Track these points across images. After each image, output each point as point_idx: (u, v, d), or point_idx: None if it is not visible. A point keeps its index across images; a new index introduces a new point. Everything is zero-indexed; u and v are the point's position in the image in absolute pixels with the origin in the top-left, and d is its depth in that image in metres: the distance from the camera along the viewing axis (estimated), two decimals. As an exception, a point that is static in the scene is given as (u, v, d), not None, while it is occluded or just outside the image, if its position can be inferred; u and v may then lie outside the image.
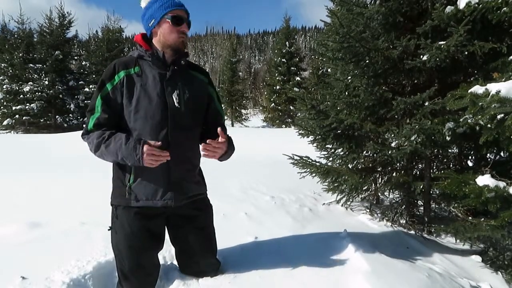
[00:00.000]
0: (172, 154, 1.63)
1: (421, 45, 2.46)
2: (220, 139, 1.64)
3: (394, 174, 3.16)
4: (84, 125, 1.70)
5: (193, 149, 1.76)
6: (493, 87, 2.03)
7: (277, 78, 21.65)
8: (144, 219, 1.71)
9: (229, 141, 1.73)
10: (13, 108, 15.91)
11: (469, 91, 2.16)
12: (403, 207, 3.23)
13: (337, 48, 2.80)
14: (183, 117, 1.67)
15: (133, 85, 1.63)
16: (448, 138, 2.42)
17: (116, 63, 1.67)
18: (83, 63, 19.62)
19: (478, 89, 2.12)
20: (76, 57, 19.62)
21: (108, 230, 1.77)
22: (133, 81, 1.63)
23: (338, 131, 2.98)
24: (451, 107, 2.34)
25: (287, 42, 21.51)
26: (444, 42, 2.34)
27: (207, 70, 1.99)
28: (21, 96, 16.17)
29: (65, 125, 17.50)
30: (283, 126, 20.67)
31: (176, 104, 1.65)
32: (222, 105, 2.01)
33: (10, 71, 16.36)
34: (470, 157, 2.97)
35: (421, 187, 2.86)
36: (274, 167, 5.12)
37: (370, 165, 3.28)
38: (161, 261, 2.07)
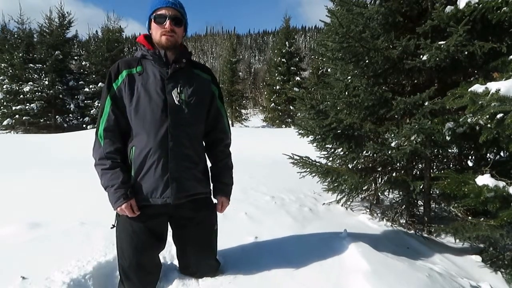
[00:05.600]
0: (171, 151, 1.65)
1: (421, 45, 2.46)
2: (223, 209, 1.95)
3: (394, 174, 3.16)
4: (93, 127, 1.72)
5: (194, 147, 1.76)
6: (492, 86, 2.03)
7: (277, 78, 21.65)
8: (146, 218, 1.72)
9: (227, 184, 1.95)
10: (13, 108, 15.92)
11: (469, 89, 2.17)
12: (403, 207, 3.23)
13: (336, 48, 2.80)
14: (184, 115, 1.68)
15: (134, 84, 1.65)
16: (448, 138, 2.42)
17: (119, 63, 1.70)
18: (83, 63, 19.63)
19: (478, 88, 2.12)
20: (76, 57, 19.63)
21: (111, 228, 1.78)
22: (134, 80, 1.66)
23: (338, 131, 2.99)
24: (450, 106, 2.34)
25: (287, 42, 21.51)
26: (444, 42, 2.34)
27: (207, 70, 1.99)
28: (21, 96, 16.19)
29: (65, 125, 17.51)
30: (283, 126, 20.67)
31: (176, 101, 1.66)
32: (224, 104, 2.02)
33: (10, 71, 16.37)
34: (470, 157, 2.97)
35: (421, 186, 2.86)
36: (274, 167, 5.12)
37: (370, 165, 3.28)
38: (161, 261, 2.07)
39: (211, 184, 1.93)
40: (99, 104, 1.73)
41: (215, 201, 1.94)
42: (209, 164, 1.94)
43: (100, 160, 1.65)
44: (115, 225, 1.77)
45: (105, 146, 1.65)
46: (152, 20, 1.67)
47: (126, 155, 1.70)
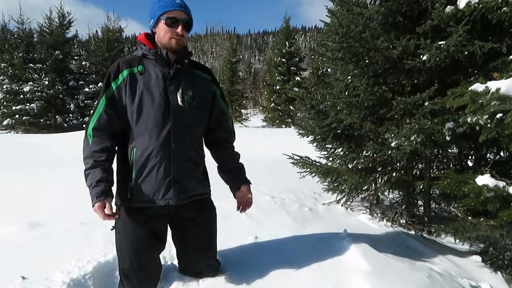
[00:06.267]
0: (174, 153, 1.64)
1: (421, 45, 2.46)
2: (250, 201, 1.95)
3: (394, 174, 3.16)
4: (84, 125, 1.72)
5: (196, 148, 1.76)
6: (493, 85, 2.03)
7: (277, 78, 21.64)
8: (147, 220, 1.71)
9: (245, 177, 1.95)
10: (13, 108, 15.90)
11: (469, 88, 2.16)
12: (403, 207, 3.23)
13: (336, 48, 2.80)
14: (186, 116, 1.67)
15: (135, 83, 1.63)
16: (448, 138, 2.42)
17: (120, 62, 1.67)
18: (83, 63, 19.61)
19: (478, 86, 2.12)
20: (76, 57, 19.61)
21: (111, 229, 1.77)
22: (136, 80, 1.64)
23: (338, 131, 2.99)
24: (450, 105, 2.34)
25: (287, 42, 21.50)
26: (444, 42, 2.34)
27: (207, 70, 1.98)
28: (21, 96, 16.17)
29: (65, 125, 17.49)
30: (283, 126, 20.66)
31: (179, 102, 1.65)
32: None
33: (10, 71, 16.35)
34: (470, 157, 2.97)
35: (421, 187, 2.86)
36: (274, 167, 5.12)
37: (370, 165, 3.28)
38: (161, 262, 2.07)
39: (230, 181, 1.94)
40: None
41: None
42: (215, 164, 1.93)
43: (86, 159, 1.63)
44: (115, 226, 1.76)
45: (92, 144, 1.63)
46: (163, 21, 1.63)
47: (116, 155, 1.69)
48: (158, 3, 1.66)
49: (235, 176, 1.93)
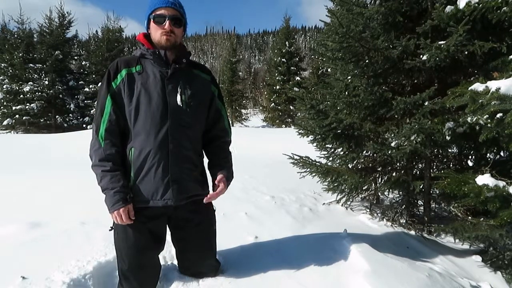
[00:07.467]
0: (172, 153, 1.64)
1: (421, 45, 2.46)
2: (219, 189, 1.73)
3: (394, 174, 3.16)
4: (91, 127, 1.70)
5: (194, 148, 1.75)
6: (493, 85, 2.03)
7: (277, 78, 21.63)
8: (146, 220, 1.71)
9: (228, 172, 1.81)
10: (13, 108, 15.92)
11: (469, 88, 2.16)
12: (403, 207, 3.23)
13: (336, 48, 2.80)
14: (184, 116, 1.67)
15: (133, 83, 1.63)
16: (448, 138, 2.42)
17: (118, 62, 1.68)
18: (83, 63, 19.63)
19: (478, 86, 2.12)
20: (76, 57, 19.63)
21: (110, 230, 1.77)
22: (134, 80, 1.64)
23: (338, 131, 2.98)
24: (450, 105, 2.34)
25: (287, 42, 21.49)
26: (444, 42, 2.34)
27: (207, 70, 1.98)
28: (21, 96, 16.18)
29: (65, 125, 17.50)
30: (283, 126, 20.66)
31: (178, 102, 1.65)
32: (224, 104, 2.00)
33: (10, 71, 16.36)
34: (470, 157, 2.97)
35: (421, 186, 2.86)
36: (274, 167, 5.12)
37: (370, 164, 3.28)
38: (161, 262, 2.07)
39: (214, 172, 1.82)
40: (97, 103, 1.71)
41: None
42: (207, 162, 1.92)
43: (101, 161, 1.62)
44: (114, 227, 1.76)
45: (105, 147, 1.63)
46: (152, 20, 1.65)
47: (124, 157, 1.69)
48: (149, 3, 1.68)
49: (223, 174, 1.78)
